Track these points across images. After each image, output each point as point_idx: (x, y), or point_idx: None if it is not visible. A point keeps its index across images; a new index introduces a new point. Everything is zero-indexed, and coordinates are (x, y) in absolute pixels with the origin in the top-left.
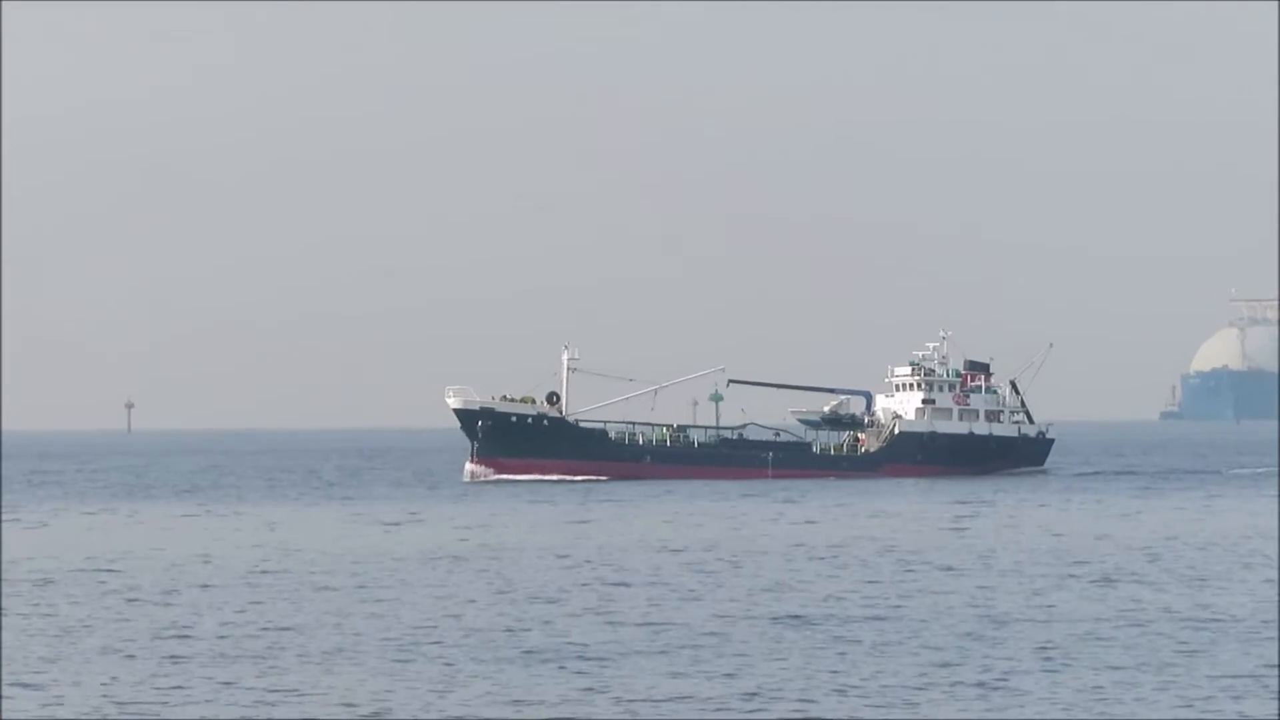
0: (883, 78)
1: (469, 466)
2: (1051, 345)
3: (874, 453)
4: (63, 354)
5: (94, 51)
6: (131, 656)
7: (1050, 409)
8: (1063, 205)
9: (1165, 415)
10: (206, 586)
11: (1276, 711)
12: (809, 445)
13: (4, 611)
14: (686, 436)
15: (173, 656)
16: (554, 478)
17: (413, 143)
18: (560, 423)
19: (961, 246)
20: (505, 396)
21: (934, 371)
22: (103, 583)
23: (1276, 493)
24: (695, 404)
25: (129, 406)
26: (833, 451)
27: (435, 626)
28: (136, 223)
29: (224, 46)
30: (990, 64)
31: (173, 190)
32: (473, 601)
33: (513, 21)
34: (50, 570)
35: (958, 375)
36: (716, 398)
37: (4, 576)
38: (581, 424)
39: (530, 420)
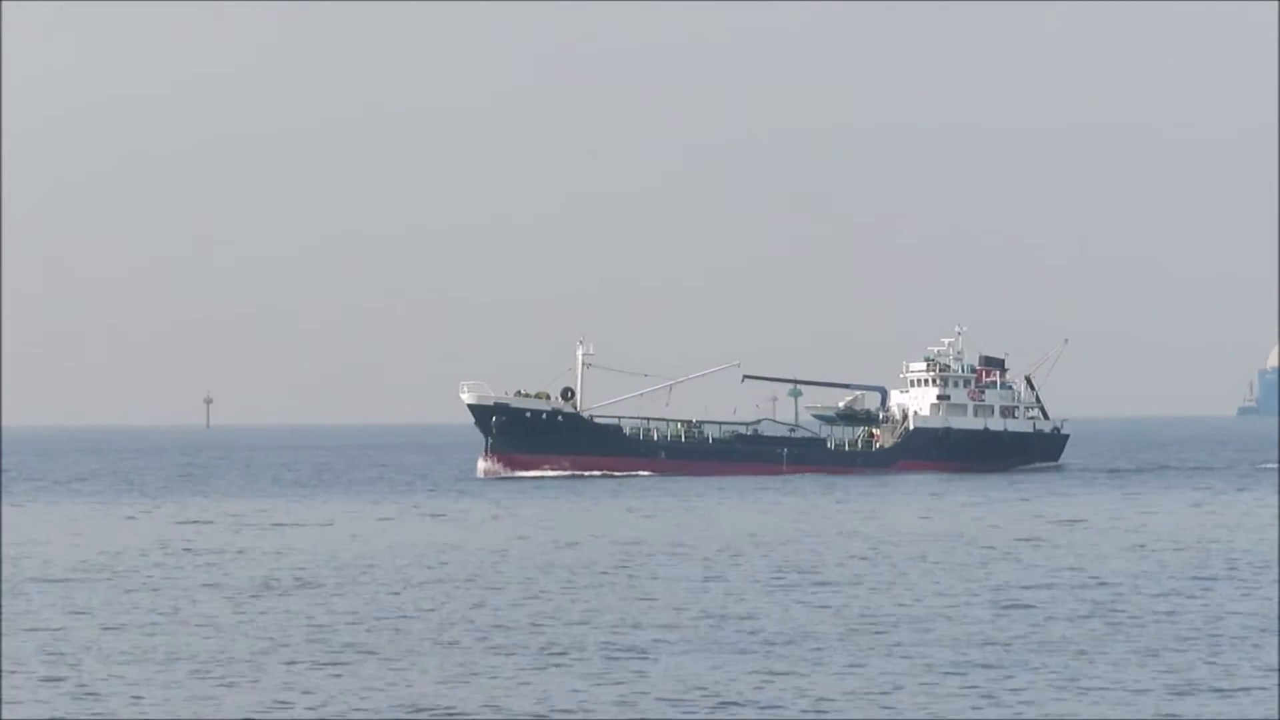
0: (908, 72)
1: (482, 463)
2: (1067, 341)
3: (888, 448)
4: (140, 350)
5: (132, 45)
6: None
7: (1124, 404)
8: (1128, 212)
9: (1243, 411)
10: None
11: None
12: (823, 441)
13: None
14: (701, 432)
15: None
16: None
17: (433, 142)
18: (575, 418)
19: (982, 243)
20: (520, 392)
21: (949, 367)
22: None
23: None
24: (775, 400)
25: (208, 402)
26: (847, 447)
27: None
28: (172, 218)
29: (251, 45)
30: (1032, 59)
31: (230, 189)
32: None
33: (527, 23)
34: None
35: (973, 371)
36: (795, 393)
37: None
38: (596, 420)
39: (545, 416)
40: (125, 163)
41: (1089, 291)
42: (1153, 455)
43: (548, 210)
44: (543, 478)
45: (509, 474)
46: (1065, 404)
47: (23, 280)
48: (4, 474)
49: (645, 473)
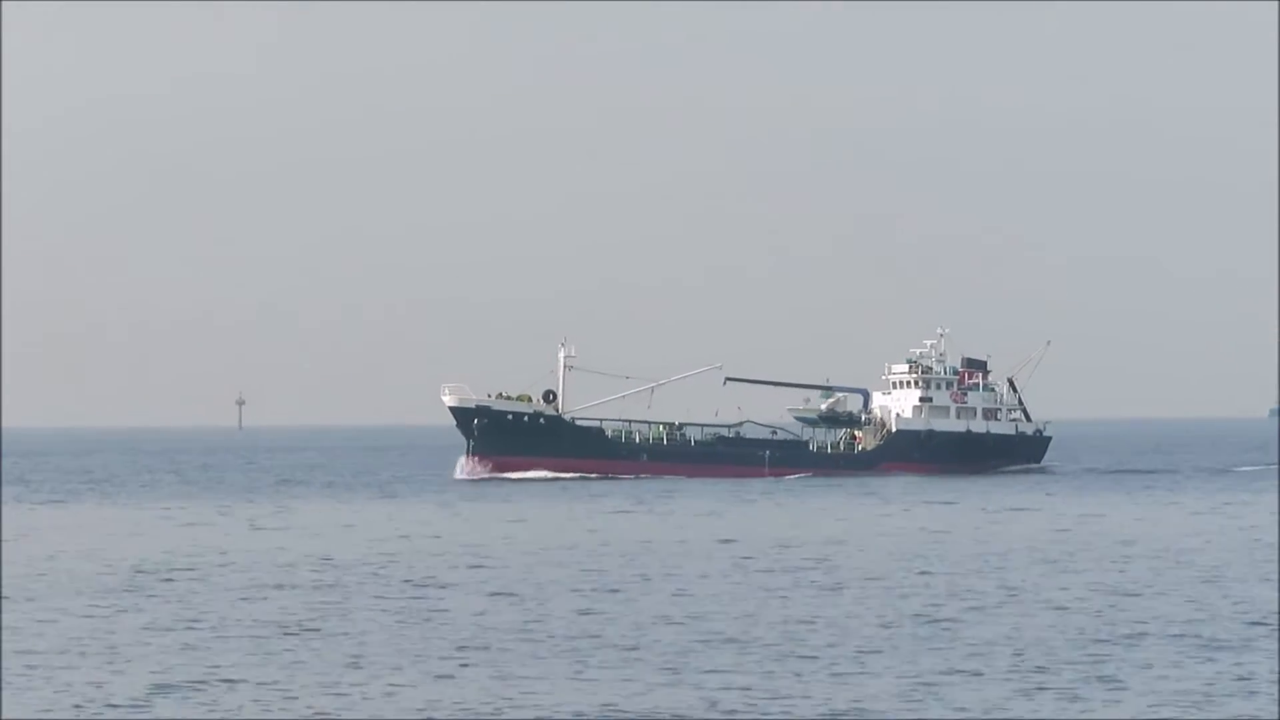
0: (907, 72)
1: (464, 464)
2: (1050, 343)
3: (871, 451)
4: (173, 350)
5: (133, 45)
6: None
7: (1157, 405)
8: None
9: (1275, 413)
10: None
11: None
12: (806, 443)
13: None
14: (683, 434)
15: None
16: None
17: (420, 145)
18: (557, 421)
19: (981, 243)
20: (501, 394)
21: (931, 369)
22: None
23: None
24: (806, 400)
25: (240, 403)
26: (829, 449)
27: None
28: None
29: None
30: (1032, 60)
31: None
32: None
33: (527, 23)
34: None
35: (955, 373)
36: (826, 395)
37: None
38: (578, 422)
39: (526, 418)
40: (126, 162)
41: (1113, 293)
42: (1144, 458)
43: (543, 211)
44: (534, 479)
45: (492, 476)
46: (1093, 405)
47: (56, 282)
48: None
49: (678, 476)
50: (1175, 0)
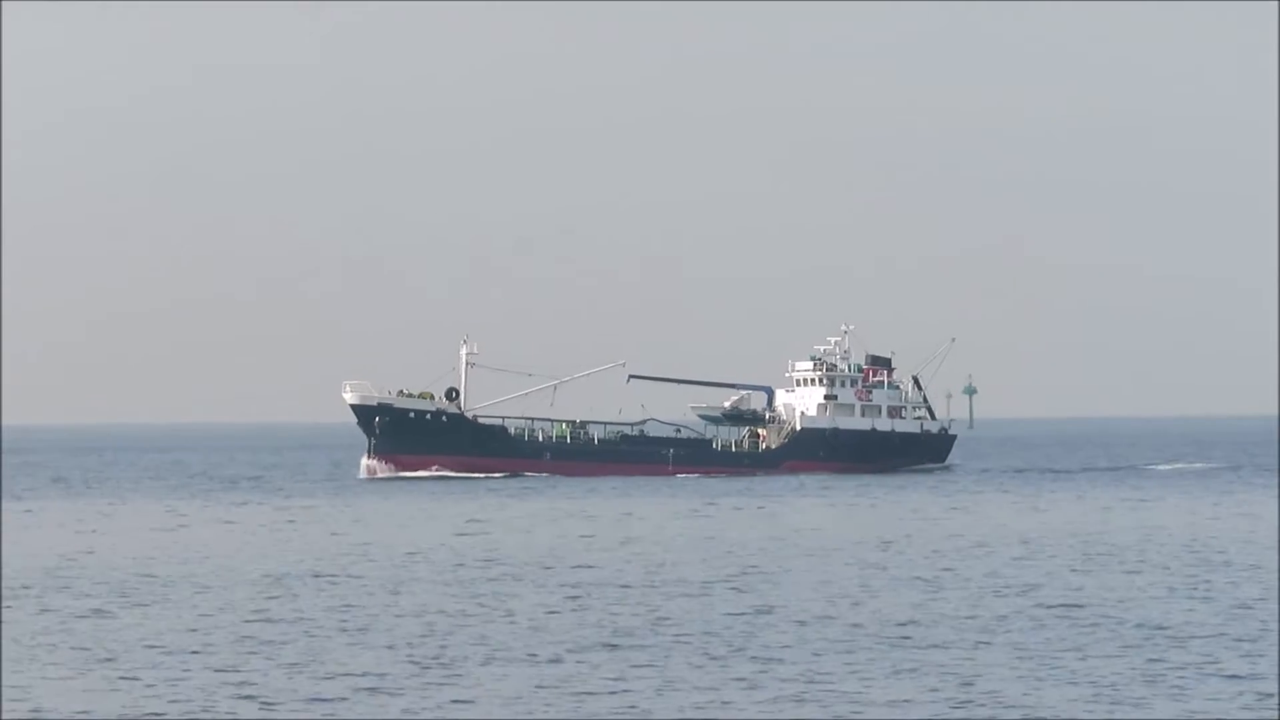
0: (902, 76)
1: (366, 463)
2: (954, 340)
3: (775, 449)
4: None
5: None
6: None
7: (1174, 403)
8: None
9: None
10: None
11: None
12: (710, 442)
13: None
14: (586, 433)
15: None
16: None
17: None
18: (459, 419)
19: (881, 241)
20: (403, 392)
21: (835, 366)
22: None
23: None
24: (949, 396)
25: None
26: (734, 448)
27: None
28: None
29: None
30: (1029, 60)
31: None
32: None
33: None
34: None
35: (859, 370)
36: (970, 390)
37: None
38: (480, 420)
39: (429, 416)
40: (136, 168)
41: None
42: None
43: (445, 212)
44: (437, 478)
45: (394, 475)
46: (1136, 401)
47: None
48: None
49: (581, 476)
50: (1174, 1)
